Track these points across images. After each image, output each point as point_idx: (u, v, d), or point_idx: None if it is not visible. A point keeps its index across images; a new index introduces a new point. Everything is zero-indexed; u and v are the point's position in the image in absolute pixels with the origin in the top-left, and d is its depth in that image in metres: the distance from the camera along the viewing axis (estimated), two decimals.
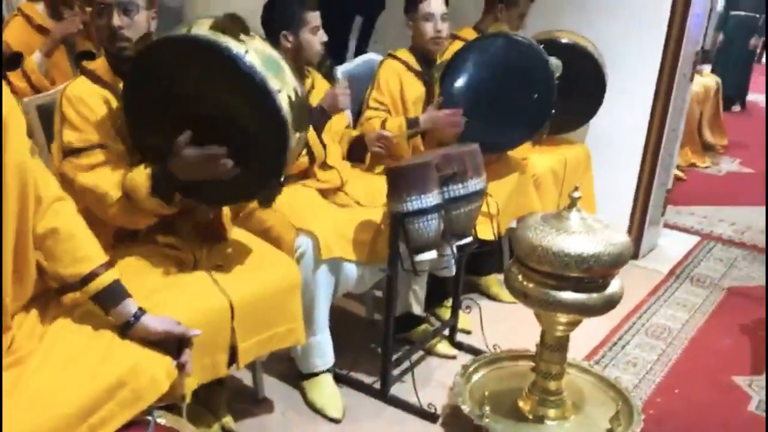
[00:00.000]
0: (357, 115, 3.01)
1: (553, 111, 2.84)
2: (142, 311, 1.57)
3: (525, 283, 2.03)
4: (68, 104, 1.85)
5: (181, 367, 1.60)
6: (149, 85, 1.78)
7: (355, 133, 2.78)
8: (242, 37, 1.70)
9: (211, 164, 1.75)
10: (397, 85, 2.88)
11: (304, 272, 2.23)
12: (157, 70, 1.76)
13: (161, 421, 1.53)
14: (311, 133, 2.38)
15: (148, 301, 1.72)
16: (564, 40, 3.32)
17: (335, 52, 3.35)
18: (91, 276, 1.55)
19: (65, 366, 1.46)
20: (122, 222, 1.89)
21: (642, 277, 3.57)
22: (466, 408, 2.13)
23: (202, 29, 1.70)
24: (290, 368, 2.43)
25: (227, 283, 1.91)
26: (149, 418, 1.50)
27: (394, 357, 2.47)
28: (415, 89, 2.90)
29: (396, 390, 2.43)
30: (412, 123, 2.76)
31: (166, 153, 1.79)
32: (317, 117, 2.46)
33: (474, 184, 2.31)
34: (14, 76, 2.75)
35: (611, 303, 2.02)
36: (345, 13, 4.18)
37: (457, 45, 3.14)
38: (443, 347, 2.70)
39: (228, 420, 2.16)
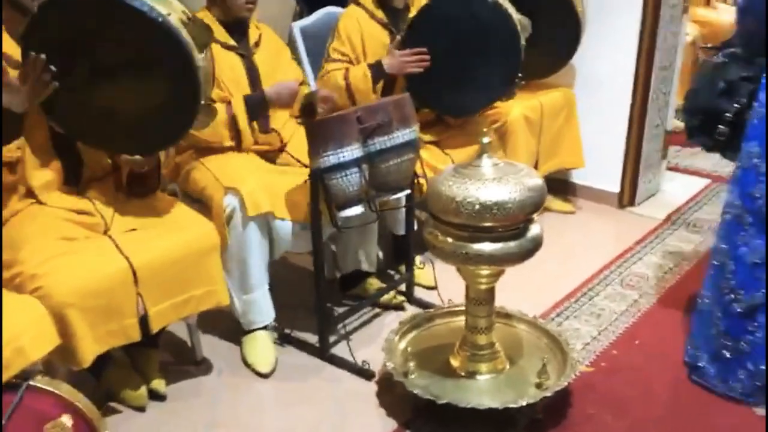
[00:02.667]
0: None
1: (520, 75, 2.76)
2: None
3: (441, 237, 1.95)
4: None
5: None
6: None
7: (308, 90, 2.71)
8: None
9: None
10: (358, 34, 2.78)
11: (236, 231, 2.23)
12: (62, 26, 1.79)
13: (38, 385, 1.56)
14: (242, 119, 2.36)
15: (44, 266, 1.75)
16: None
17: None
18: None
19: None
20: None
21: (634, 225, 3.41)
22: (390, 365, 2.08)
23: None
24: (235, 326, 2.42)
25: (130, 247, 1.91)
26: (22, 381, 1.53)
27: (339, 314, 2.45)
28: (379, 38, 2.80)
29: (339, 349, 2.41)
30: (375, 68, 2.68)
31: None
32: (258, 105, 2.40)
33: (401, 136, 2.22)
34: None
35: (530, 251, 1.92)
36: None
37: None
38: (398, 302, 2.65)
39: (158, 383, 2.16)
